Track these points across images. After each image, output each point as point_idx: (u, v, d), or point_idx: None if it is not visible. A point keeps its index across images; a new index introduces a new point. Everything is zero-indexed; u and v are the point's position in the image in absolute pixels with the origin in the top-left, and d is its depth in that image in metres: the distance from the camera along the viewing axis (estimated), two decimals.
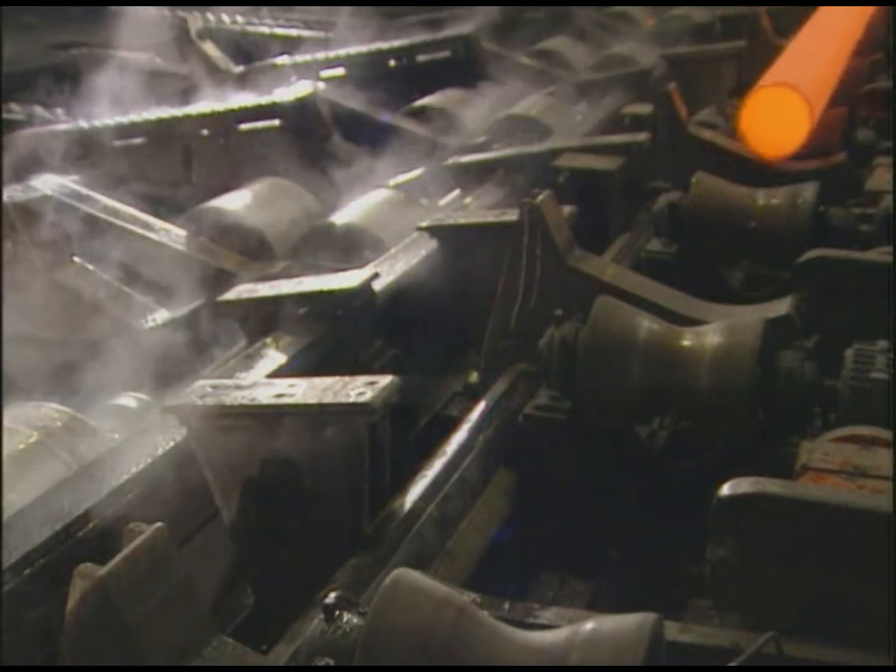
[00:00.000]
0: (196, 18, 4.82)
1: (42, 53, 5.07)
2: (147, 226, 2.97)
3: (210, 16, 5.18)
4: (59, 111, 4.34)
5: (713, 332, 2.05)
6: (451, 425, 2.11)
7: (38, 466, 1.77)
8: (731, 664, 1.34)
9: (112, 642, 1.25)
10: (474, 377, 2.44)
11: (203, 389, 1.75)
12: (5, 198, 2.64)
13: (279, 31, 5.36)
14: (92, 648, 1.26)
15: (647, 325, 2.08)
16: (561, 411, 2.09)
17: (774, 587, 1.50)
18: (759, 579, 1.51)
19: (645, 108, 3.58)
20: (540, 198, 2.33)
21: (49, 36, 5.12)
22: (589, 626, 1.30)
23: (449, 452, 1.97)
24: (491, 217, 2.55)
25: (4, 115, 4.19)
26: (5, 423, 1.82)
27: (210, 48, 4.63)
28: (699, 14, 5.31)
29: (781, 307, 2.25)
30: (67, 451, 1.81)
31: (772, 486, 1.54)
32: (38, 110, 4.34)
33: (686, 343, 2.05)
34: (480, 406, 2.16)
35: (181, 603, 1.31)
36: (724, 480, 1.57)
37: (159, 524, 1.32)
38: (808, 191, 2.73)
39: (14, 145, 3.38)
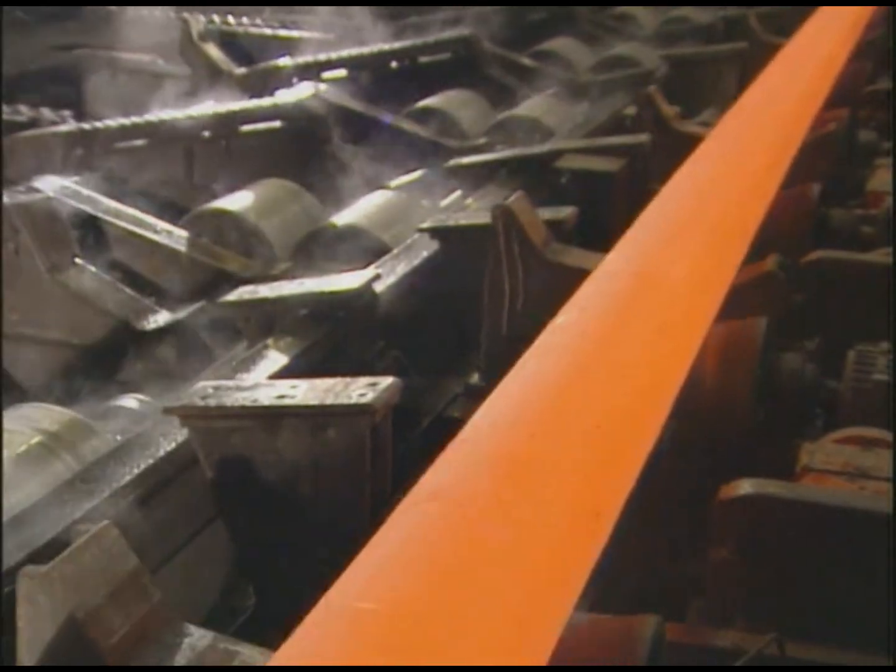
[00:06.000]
0: (198, 20, 4.82)
1: (44, 54, 5.08)
2: (149, 227, 2.96)
3: (212, 17, 5.19)
4: (62, 112, 4.35)
5: (715, 332, 2.06)
6: (453, 426, 2.10)
7: (40, 468, 1.78)
8: (733, 665, 1.35)
9: (64, 636, 1.25)
10: (476, 378, 2.44)
11: (204, 390, 1.75)
12: (7, 199, 2.64)
13: (281, 32, 5.36)
14: (46, 645, 1.27)
15: None
16: None
17: (776, 588, 1.50)
18: (761, 580, 1.51)
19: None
20: (510, 199, 2.34)
21: (51, 37, 5.13)
22: (590, 627, 1.30)
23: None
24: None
25: (7, 117, 4.20)
26: (7, 424, 1.82)
27: (212, 50, 4.63)
28: (701, 15, 5.31)
29: None
30: (69, 453, 1.81)
31: (773, 487, 1.54)
32: (41, 111, 4.34)
33: None
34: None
35: (135, 593, 1.31)
36: (725, 481, 1.57)
37: (106, 522, 1.33)
38: (810, 192, 2.73)
39: (16, 147, 3.38)
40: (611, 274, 1.80)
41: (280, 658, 0.96)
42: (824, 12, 3.84)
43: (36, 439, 1.81)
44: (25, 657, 1.27)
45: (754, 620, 1.45)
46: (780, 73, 3.15)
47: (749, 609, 1.49)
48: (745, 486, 1.51)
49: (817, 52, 3.43)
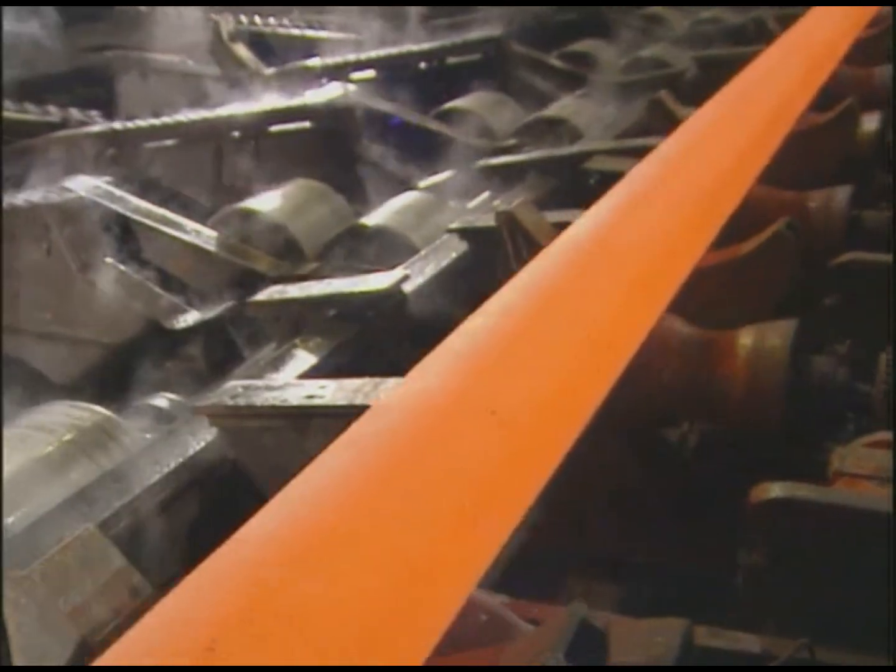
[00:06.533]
0: (228, 20, 4.84)
1: (75, 55, 5.11)
2: (178, 227, 2.97)
3: (240, 18, 5.21)
4: (90, 112, 4.37)
5: (745, 334, 2.05)
6: None
7: (71, 466, 1.79)
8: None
9: (50, 635, 1.26)
10: None
11: (234, 390, 1.76)
12: (40, 199, 2.67)
13: (310, 33, 5.38)
14: (35, 646, 1.27)
15: (678, 327, 2.07)
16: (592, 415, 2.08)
17: (807, 592, 1.49)
18: (791, 584, 1.50)
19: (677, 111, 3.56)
20: (513, 204, 2.36)
21: (82, 38, 5.17)
22: (621, 628, 1.30)
23: None
24: None
25: (37, 117, 4.22)
26: (39, 421, 1.83)
27: (241, 50, 4.65)
28: (732, 16, 5.29)
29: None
30: (100, 451, 1.82)
31: (803, 490, 1.53)
32: (70, 112, 4.37)
33: (717, 345, 2.04)
34: None
35: (123, 590, 1.32)
36: (755, 485, 1.56)
37: (88, 526, 1.34)
38: (842, 194, 2.71)
39: (49, 147, 3.41)
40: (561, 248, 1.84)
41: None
42: (818, 12, 3.85)
43: (67, 437, 1.83)
44: (18, 659, 1.28)
45: (785, 625, 1.45)
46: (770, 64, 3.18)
47: (780, 613, 1.48)
48: (775, 490, 1.50)
49: (810, 48, 3.44)
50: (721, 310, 2.29)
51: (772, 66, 3.21)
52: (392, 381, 1.67)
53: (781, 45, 3.49)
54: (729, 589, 1.59)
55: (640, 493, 2.08)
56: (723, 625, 1.48)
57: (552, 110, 4.05)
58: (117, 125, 3.64)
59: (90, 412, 1.91)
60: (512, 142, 3.84)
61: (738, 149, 2.49)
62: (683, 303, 1.95)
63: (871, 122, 3.29)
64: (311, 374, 2.02)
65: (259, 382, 1.83)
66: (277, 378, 1.97)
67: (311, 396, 1.69)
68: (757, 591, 1.54)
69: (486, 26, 4.95)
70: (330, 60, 4.41)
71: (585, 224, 1.99)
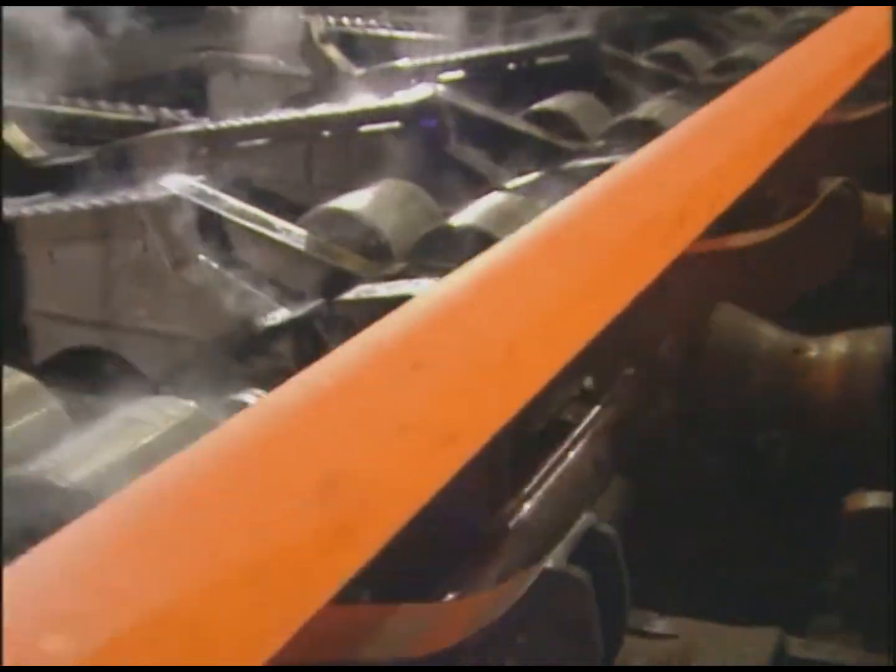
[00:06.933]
0: (319, 21, 4.89)
1: (168, 57, 5.21)
2: (269, 225, 3.00)
3: (332, 19, 5.26)
4: (180, 112, 4.45)
5: (838, 341, 2.01)
6: (567, 431, 2.09)
7: (162, 460, 1.81)
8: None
9: None
10: (589, 382, 2.42)
11: None
12: (136, 197, 2.72)
13: (398, 34, 5.41)
14: None
15: (769, 333, 2.04)
16: (680, 421, 2.07)
17: None
18: (887, 596, 1.47)
19: None
20: None
21: (176, 40, 5.27)
22: (709, 637, 1.28)
23: (565, 459, 1.96)
24: None
25: (131, 118, 4.31)
26: (133, 415, 1.87)
27: (332, 51, 4.69)
28: (825, 15, 5.19)
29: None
30: (191, 445, 1.85)
31: None
32: (161, 112, 4.45)
33: (810, 352, 2.01)
34: (596, 412, 2.15)
35: None
36: (850, 495, 1.54)
37: None
38: None
39: (144, 146, 3.47)
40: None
41: None
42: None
43: (159, 431, 1.85)
44: None
45: (879, 637, 1.42)
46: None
47: (874, 625, 1.45)
48: (871, 500, 1.48)
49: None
50: (770, 292, 2.22)
51: (798, 61, 3.15)
52: None
53: (811, 41, 3.43)
54: (819, 600, 1.57)
55: (730, 501, 2.06)
56: (810, 636, 1.45)
57: (641, 112, 4.02)
58: (210, 125, 3.69)
59: (180, 407, 1.94)
60: (601, 143, 3.82)
61: (747, 139, 2.44)
62: (723, 287, 1.92)
63: None
64: None
65: None
66: None
67: None
68: (850, 603, 1.51)
69: (575, 27, 4.93)
70: (419, 61, 4.42)
71: (566, 208, 1.98)
